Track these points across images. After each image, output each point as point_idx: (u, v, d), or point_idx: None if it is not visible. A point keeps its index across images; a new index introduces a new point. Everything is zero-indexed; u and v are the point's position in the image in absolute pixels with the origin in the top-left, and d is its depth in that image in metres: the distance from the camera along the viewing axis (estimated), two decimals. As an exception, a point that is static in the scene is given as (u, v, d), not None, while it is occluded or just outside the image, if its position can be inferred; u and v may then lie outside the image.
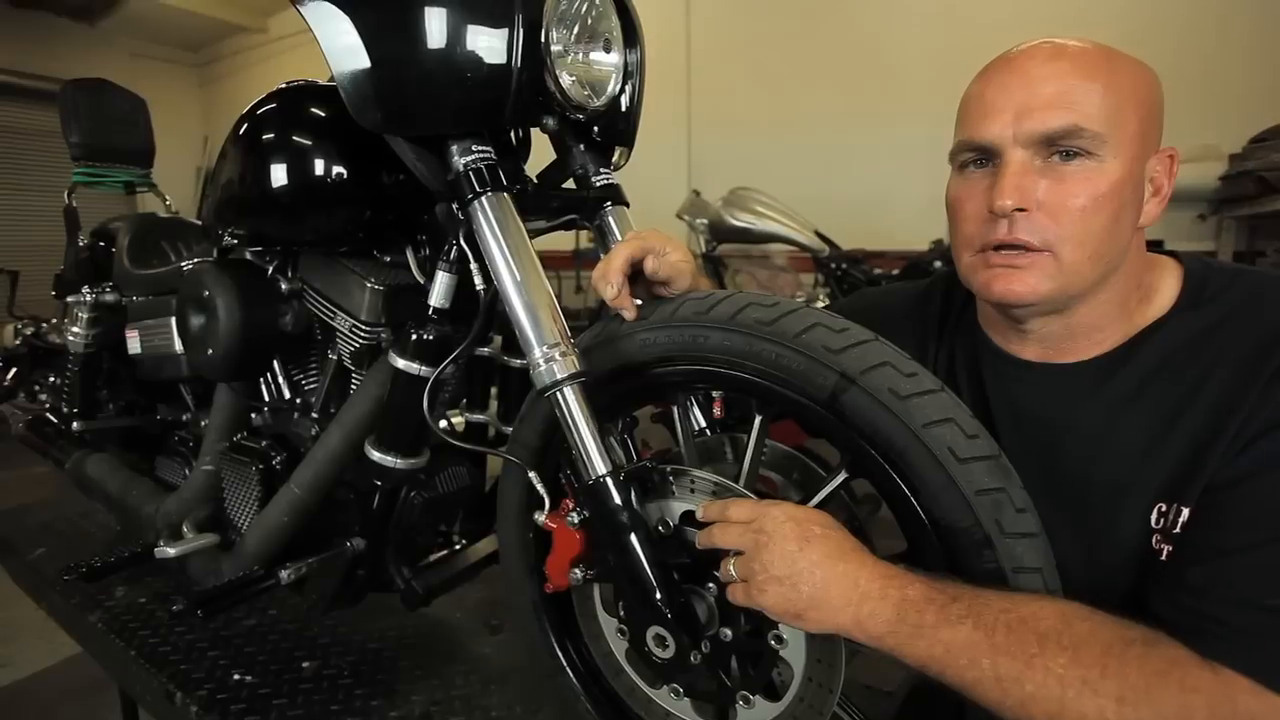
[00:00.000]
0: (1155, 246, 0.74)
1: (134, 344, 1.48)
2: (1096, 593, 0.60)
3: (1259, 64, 3.11)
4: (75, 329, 1.62)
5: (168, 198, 2.11)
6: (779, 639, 0.69)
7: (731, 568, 0.65)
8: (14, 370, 2.17)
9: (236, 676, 1.17)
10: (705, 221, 3.61)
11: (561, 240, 1.16)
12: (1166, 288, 0.69)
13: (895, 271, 3.23)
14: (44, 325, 2.09)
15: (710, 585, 0.72)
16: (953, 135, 0.72)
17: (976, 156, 0.69)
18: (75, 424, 1.63)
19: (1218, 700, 0.51)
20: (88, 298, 1.59)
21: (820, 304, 2.99)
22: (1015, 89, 0.65)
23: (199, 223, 1.41)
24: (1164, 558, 0.63)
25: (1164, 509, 0.63)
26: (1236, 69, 3.12)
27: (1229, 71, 3.12)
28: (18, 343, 2.16)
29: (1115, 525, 0.66)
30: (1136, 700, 0.51)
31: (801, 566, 0.60)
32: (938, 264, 3.02)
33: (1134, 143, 0.64)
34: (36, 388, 2.07)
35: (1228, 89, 3.09)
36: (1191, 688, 0.51)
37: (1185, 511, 0.61)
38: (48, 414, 1.84)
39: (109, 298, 1.59)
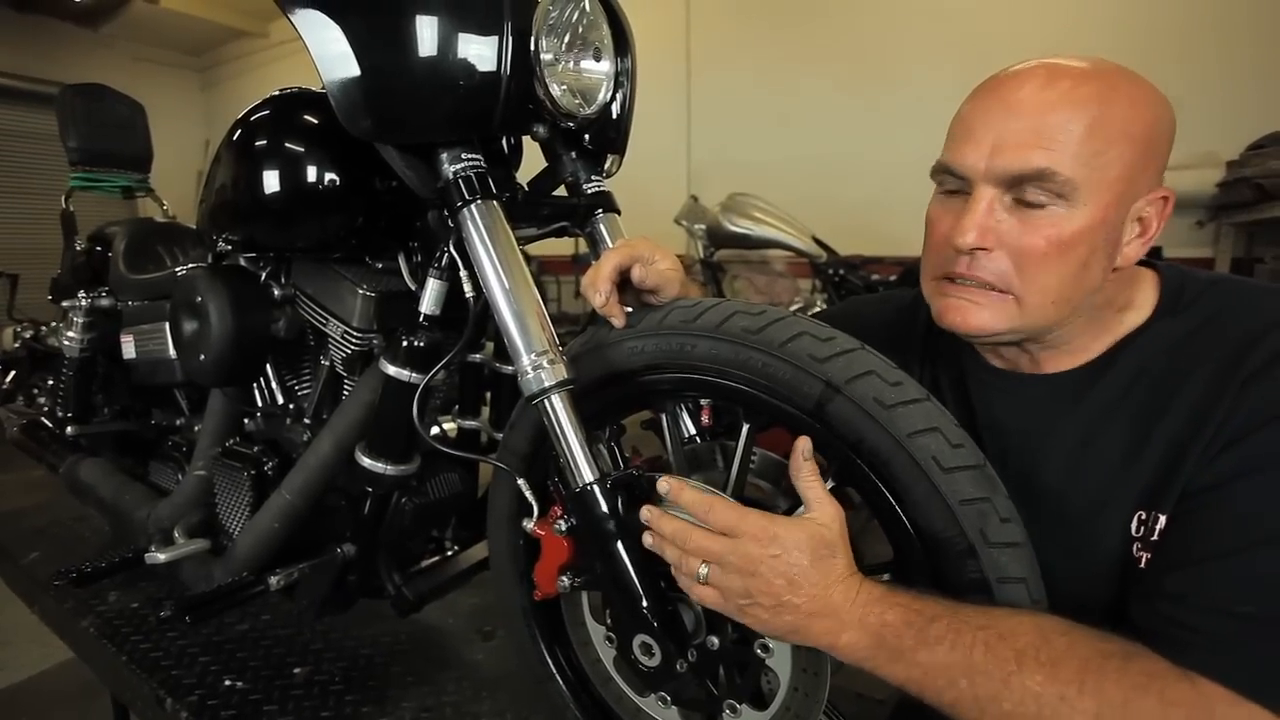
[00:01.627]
0: (1153, 253, 0.73)
1: (128, 349, 1.48)
2: (1079, 604, 0.60)
3: (1257, 71, 3.11)
4: (70, 333, 1.62)
5: (165, 203, 2.11)
6: (765, 648, 0.70)
7: (701, 571, 0.63)
8: (13, 373, 2.17)
9: (227, 682, 1.17)
10: (703, 227, 3.61)
11: (561, 245, 1.16)
12: (1144, 298, 0.69)
13: (893, 277, 3.23)
14: (43, 329, 2.09)
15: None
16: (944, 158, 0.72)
17: (952, 181, 0.69)
18: (69, 428, 1.64)
19: (1197, 713, 0.51)
20: (83, 302, 1.59)
21: (817, 309, 3.00)
22: (995, 119, 0.64)
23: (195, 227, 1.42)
24: (1143, 566, 0.63)
25: (1144, 517, 0.63)
26: (1234, 76, 3.13)
27: (1227, 78, 3.13)
28: (17, 346, 2.16)
29: (1097, 536, 0.66)
30: (1114, 716, 0.51)
31: (784, 598, 0.60)
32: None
33: (1115, 186, 0.61)
34: (35, 391, 2.07)
35: (1225, 96, 3.09)
36: (1171, 701, 0.51)
37: (1163, 519, 0.61)
38: (43, 418, 1.84)
39: (104, 302, 1.59)
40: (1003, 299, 0.65)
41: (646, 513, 0.68)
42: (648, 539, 0.68)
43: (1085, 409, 0.68)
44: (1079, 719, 0.51)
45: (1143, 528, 0.63)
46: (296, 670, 1.21)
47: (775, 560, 0.60)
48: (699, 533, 0.64)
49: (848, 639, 0.59)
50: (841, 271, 3.30)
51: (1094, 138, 0.60)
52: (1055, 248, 0.62)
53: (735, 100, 4.63)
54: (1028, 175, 0.61)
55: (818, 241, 3.41)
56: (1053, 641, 0.54)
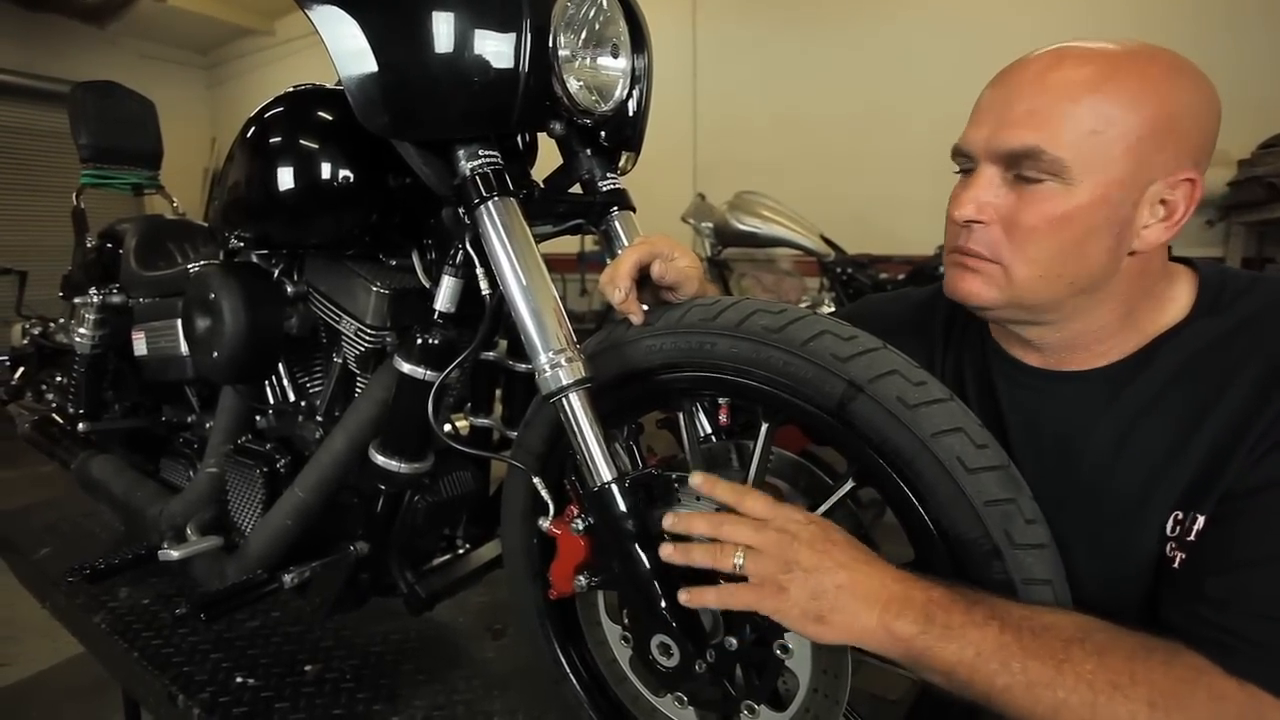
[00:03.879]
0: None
1: (140, 346, 1.48)
2: (1111, 605, 0.59)
3: (1268, 70, 3.09)
4: (82, 330, 1.62)
5: (175, 200, 2.11)
6: (784, 648, 0.69)
7: (737, 560, 0.62)
8: (21, 370, 2.18)
9: (239, 679, 1.17)
10: (710, 225, 3.60)
11: (566, 243, 1.16)
12: (1181, 295, 0.68)
13: (901, 276, 3.21)
14: (51, 325, 2.10)
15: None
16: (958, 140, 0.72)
17: (965, 161, 0.70)
18: (81, 425, 1.64)
19: (1246, 709, 0.50)
20: (94, 299, 1.59)
21: (826, 308, 2.99)
22: (998, 101, 0.66)
23: (206, 225, 1.42)
24: (1176, 565, 0.62)
25: (1180, 517, 0.62)
26: (1246, 75, 3.10)
27: (1238, 77, 3.09)
28: (25, 342, 2.17)
29: (1134, 536, 0.65)
30: (1168, 706, 0.50)
31: (827, 565, 0.59)
32: (943, 269, 3.02)
33: (1119, 165, 0.61)
34: (43, 387, 2.07)
35: (1237, 95, 3.06)
36: (1219, 695, 0.51)
37: (1200, 519, 0.60)
38: (54, 414, 1.84)
39: (115, 299, 1.59)
40: (991, 268, 0.67)
41: (671, 518, 0.68)
42: (666, 550, 0.67)
43: (1122, 406, 0.67)
44: (1134, 707, 0.50)
45: (1179, 528, 0.62)
46: (308, 668, 1.21)
47: (814, 526, 0.62)
48: (732, 519, 0.65)
49: (897, 609, 0.57)
50: (849, 270, 3.28)
51: (1089, 118, 0.60)
52: (1047, 223, 0.63)
53: (742, 97, 4.61)
54: (1019, 153, 0.63)
55: (826, 240, 3.39)
56: (1094, 634, 0.54)
